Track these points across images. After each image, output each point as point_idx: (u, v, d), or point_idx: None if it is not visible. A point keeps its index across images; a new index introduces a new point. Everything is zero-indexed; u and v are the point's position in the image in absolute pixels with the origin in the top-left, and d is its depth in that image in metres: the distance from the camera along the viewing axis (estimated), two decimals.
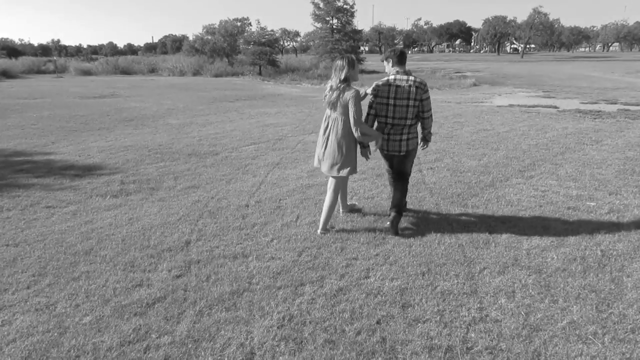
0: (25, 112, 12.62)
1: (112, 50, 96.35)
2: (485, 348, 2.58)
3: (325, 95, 3.94)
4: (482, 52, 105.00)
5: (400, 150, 4.12)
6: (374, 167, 6.25)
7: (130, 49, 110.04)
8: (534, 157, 6.90)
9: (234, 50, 35.88)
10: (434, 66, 40.52)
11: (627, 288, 3.18)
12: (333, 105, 3.88)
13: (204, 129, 9.76)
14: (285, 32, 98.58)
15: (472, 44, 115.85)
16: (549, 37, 74.47)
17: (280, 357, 2.52)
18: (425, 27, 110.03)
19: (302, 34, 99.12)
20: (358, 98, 3.77)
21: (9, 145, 8.23)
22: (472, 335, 2.69)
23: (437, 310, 2.93)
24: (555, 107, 12.81)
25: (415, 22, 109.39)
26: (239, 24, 35.96)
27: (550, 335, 2.68)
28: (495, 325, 2.78)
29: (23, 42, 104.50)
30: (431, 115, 4.10)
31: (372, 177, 5.92)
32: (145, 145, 8.14)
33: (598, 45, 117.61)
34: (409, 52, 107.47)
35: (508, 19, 76.16)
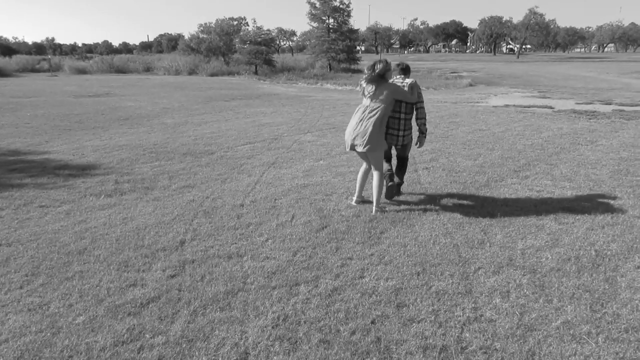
0: (19, 110, 12.55)
1: (107, 48, 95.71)
2: (480, 348, 2.58)
3: (363, 88, 4.56)
4: (478, 52, 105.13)
5: (397, 143, 4.83)
6: None
7: (126, 48, 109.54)
8: (529, 157, 6.93)
9: (230, 49, 35.86)
10: (430, 66, 40.65)
11: (621, 288, 3.20)
12: (374, 95, 4.47)
13: (200, 128, 9.73)
14: (282, 32, 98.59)
15: (468, 44, 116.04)
16: (545, 37, 74.83)
17: (275, 357, 2.51)
18: (421, 27, 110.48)
19: (298, 34, 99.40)
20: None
21: (2, 144, 8.17)
22: (467, 335, 2.69)
23: (432, 310, 2.93)
24: (551, 108, 12.87)
25: (412, 22, 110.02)
26: (235, 23, 36.02)
27: (544, 335, 2.68)
28: (489, 325, 2.78)
29: (17, 40, 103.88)
30: (423, 107, 4.81)
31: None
32: (140, 144, 8.10)
33: (593, 46, 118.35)
34: (405, 52, 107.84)
35: (504, 19, 76.58)
